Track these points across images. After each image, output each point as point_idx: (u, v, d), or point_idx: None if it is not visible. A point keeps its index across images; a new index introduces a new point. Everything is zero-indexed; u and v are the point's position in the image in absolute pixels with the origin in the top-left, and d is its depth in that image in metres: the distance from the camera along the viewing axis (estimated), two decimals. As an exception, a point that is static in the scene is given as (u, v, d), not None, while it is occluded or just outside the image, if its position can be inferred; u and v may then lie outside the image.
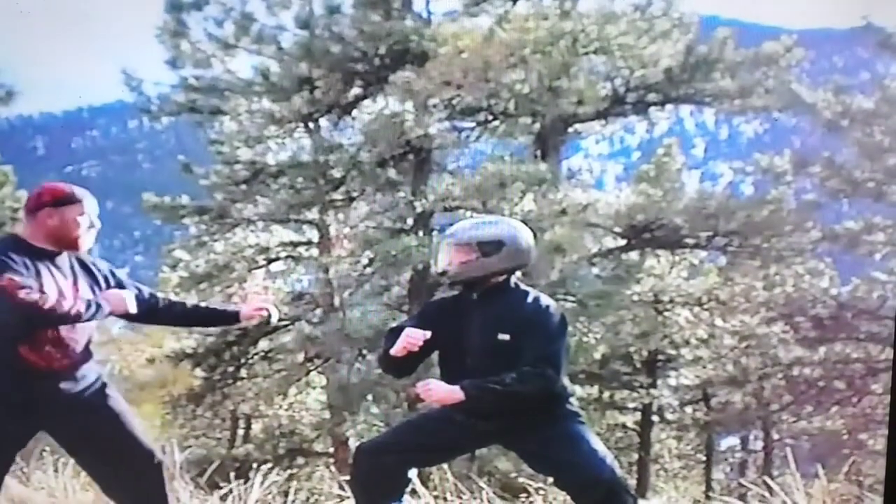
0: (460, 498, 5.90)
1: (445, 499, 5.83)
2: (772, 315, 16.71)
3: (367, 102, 16.12)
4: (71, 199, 3.87)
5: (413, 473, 4.04)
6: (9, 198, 20.29)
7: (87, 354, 3.88)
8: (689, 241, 16.31)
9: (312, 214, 16.15)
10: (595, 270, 16.47)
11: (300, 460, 16.37)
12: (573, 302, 14.90)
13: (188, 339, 16.41)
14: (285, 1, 15.57)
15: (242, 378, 16.79)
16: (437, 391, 3.76)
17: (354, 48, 15.43)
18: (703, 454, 19.53)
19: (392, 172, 15.53)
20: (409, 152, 15.28)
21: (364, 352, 14.72)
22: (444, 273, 3.98)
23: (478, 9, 15.40)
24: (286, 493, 6.51)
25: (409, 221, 15.29)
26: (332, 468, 14.92)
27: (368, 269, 15.43)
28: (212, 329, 14.26)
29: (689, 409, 19.06)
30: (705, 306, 17.64)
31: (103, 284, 3.96)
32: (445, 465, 5.72)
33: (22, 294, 3.61)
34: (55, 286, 3.76)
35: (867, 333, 15.82)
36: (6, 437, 3.85)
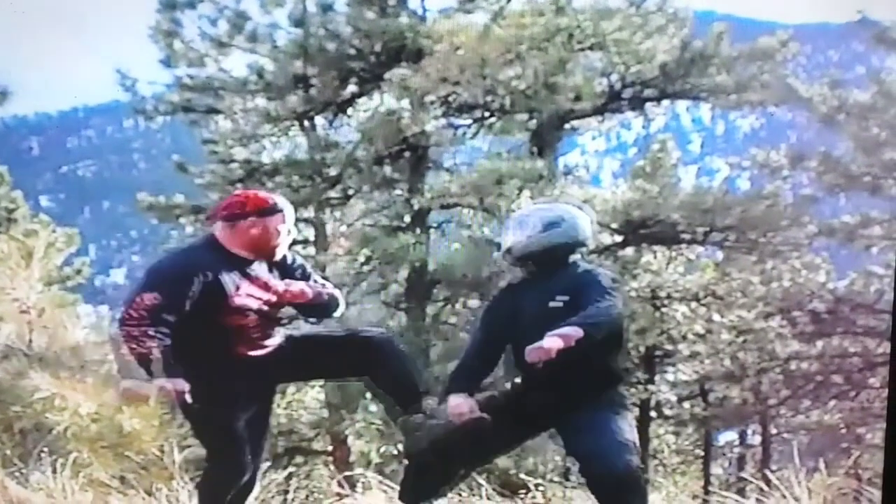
0: (460, 495, 5.89)
1: (445, 495, 5.82)
2: (769, 310, 16.71)
3: (362, 100, 16.09)
4: (274, 210, 3.88)
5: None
6: (4, 198, 20.26)
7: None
8: (686, 236, 16.31)
9: (309, 213, 16.13)
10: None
11: (299, 459, 16.34)
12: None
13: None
14: (279, -1, 15.55)
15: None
16: (553, 344, 3.69)
17: (350, 46, 15.42)
18: (702, 449, 19.56)
19: (388, 170, 15.52)
20: (405, 150, 15.27)
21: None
22: (508, 251, 4.14)
23: (473, 5, 15.39)
24: (285, 492, 6.51)
25: (406, 219, 15.28)
26: (331, 466, 14.92)
27: (365, 267, 15.43)
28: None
29: (686, 405, 19.07)
30: (702, 301, 17.63)
31: (301, 276, 4.01)
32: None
33: (147, 331, 3.66)
34: (248, 294, 3.82)
35: (864, 327, 15.84)
36: (254, 405, 3.98)
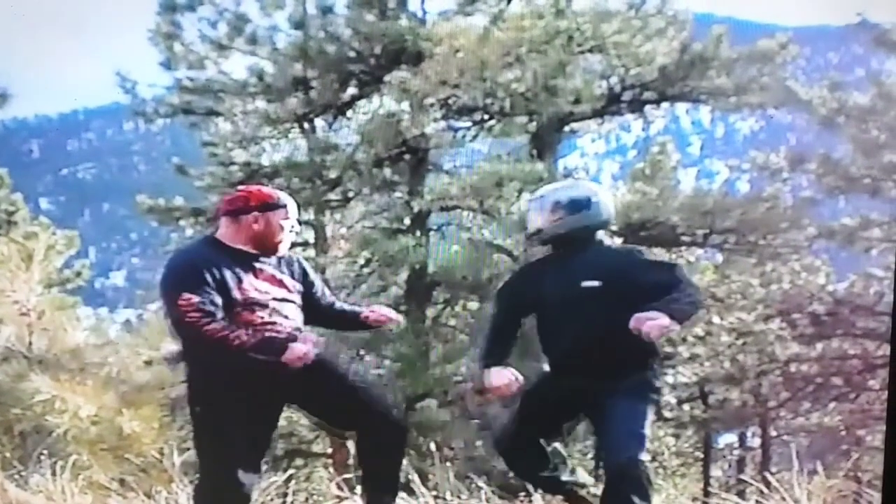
0: (459, 497, 5.90)
1: (445, 498, 5.83)
2: (769, 312, 16.72)
3: (362, 102, 16.08)
4: (277, 205, 3.93)
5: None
6: (4, 201, 20.26)
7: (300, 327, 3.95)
8: (686, 238, 16.30)
9: (308, 215, 16.11)
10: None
11: (298, 461, 16.34)
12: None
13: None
14: (279, 1, 15.54)
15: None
16: (655, 327, 3.74)
17: (349, 48, 15.42)
18: (701, 451, 19.55)
19: (388, 172, 15.51)
20: (405, 152, 15.26)
21: (361, 352, 14.71)
22: (536, 233, 4.18)
23: (472, 8, 15.39)
24: (285, 495, 6.51)
25: (406, 221, 15.27)
26: (331, 469, 14.92)
27: (365, 270, 15.42)
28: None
29: (686, 407, 19.06)
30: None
31: (301, 276, 4.02)
32: (448, 464, 5.73)
33: (209, 328, 3.67)
34: (255, 288, 3.82)
35: (864, 329, 15.84)
36: (260, 419, 3.93)
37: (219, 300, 3.73)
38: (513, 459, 4.24)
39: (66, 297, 18.58)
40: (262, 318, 3.83)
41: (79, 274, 20.36)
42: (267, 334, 3.79)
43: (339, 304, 4.24)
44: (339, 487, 6.38)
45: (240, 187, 4.16)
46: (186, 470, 6.74)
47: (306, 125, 15.99)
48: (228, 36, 15.78)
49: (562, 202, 4.13)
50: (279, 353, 3.72)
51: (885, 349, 14.91)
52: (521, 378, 4.08)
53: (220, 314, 3.71)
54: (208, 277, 3.75)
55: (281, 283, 3.91)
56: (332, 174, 15.51)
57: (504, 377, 4.08)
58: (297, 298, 3.97)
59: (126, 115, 18.69)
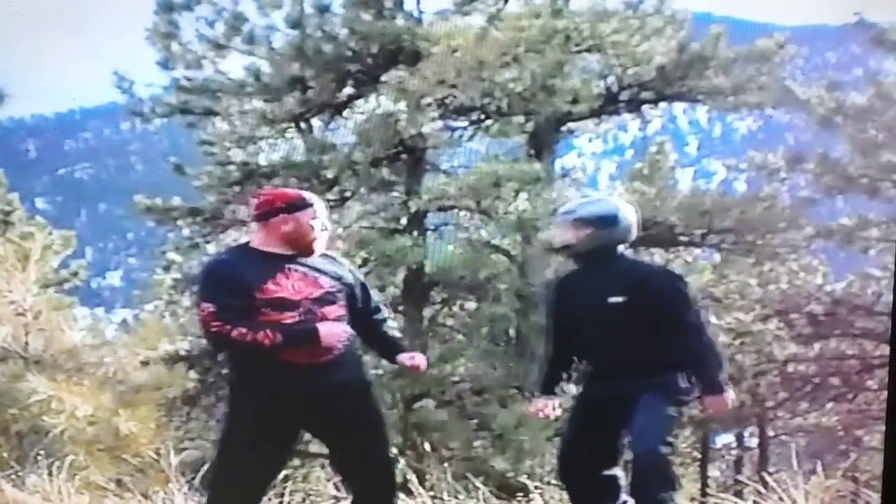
0: (457, 497, 5.89)
1: (442, 499, 5.82)
2: (766, 312, 16.70)
3: (359, 102, 16.07)
4: (304, 204, 3.94)
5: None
6: (0, 201, 20.23)
7: (347, 344, 3.93)
8: (683, 238, 16.29)
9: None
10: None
11: (295, 461, 16.31)
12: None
13: (183, 342, 16.36)
14: (276, 1, 15.52)
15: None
16: (719, 408, 4.14)
17: (346, 48, 15.40)
18: (699, 451, 19.53)
19: (385, 172, 15.50)
20: (402, 152, 15.25)
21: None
22: (565, 248, 4.33)
23: (469, 8, 15.37)
24: (282, 495, 6.50)
25: (404, 221, 15.26)
26: (328, 469, 14.90)
27: (363, 270, 15.41)
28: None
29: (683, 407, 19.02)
30: (700, 304, 17.57)
31: (337, 279, 3.99)
32: (445, 465, 5.73)
33: (235, 333, 3.68)
34: (282, 288, 3.80)
35: (862, 330, 15.84)
36: (276, 439, 3.93)
37: (237, 304, 3.73)
38: (574, 489, 4.33)
39: (62, 297, 18.56)
40: (294, 317, 3.81)
41: (75, 274, 20.34)
42: (289, 326, 3.79)
43: (384, 327, 4.23)
44: (337, 488, 6.37)
45: (264, 190, 4.18)
46: (183, 470, 6.73)
47: (303, 125, 15.97)
48: (226, 35, 15.76)
49: (591, 218, 4.25)
50: (313, 338, 3.72)
51: (883, 349, 14.93)
52: (558, 410, 4.34)
53: (239, 319, 3.72)
54: (224, 283, 3.77)
55: (315, 283, 3.88)
56: (330, 174, 15.50)
57: (539, 404, 4.37)
58: (340, 298, 3.94)
59: (123, 115, 18.68)
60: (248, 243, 3.98)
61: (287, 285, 3.82)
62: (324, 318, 3.85)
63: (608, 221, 4.24)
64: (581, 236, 4.22)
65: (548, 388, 4.36)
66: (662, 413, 4.08)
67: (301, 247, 3.91)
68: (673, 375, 4.14)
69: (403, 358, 4.16)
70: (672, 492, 3.98)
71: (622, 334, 4.08)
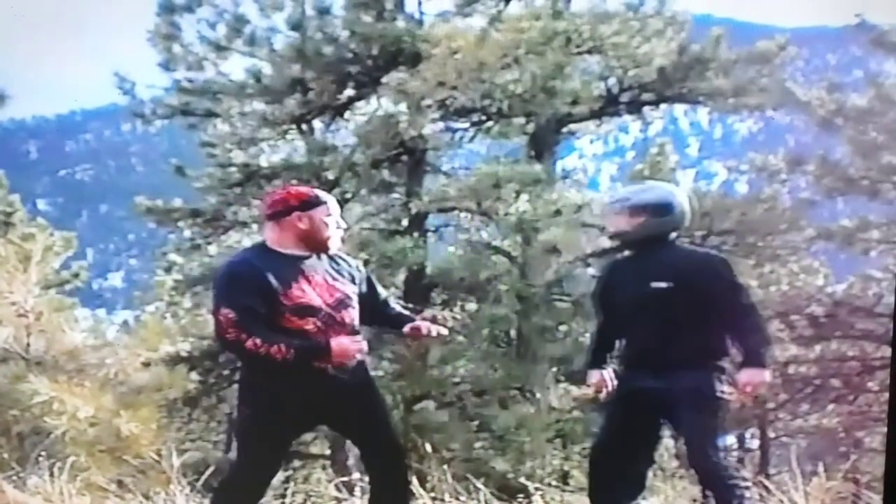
0: (458, 499, 5.89)
1: (443, 500, 5.82)
2: (767, 313, 16.63)
3: (360, 104, 16.08)
4: (317, 202, 3.89)
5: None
6: (2, 202, 20.26)
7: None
8: (684, 240, 16.29)
9: (307, 216, 16.10)
10: (590, 271, 16.46)
11: (297, 462, 16.33)
12: (568, 302, 14.88)
13: (184, 343, 16.38)
14: (277, 3, 15.53)
15: (238, 381, 16.71)
16: (754, 381, 4.09)
17: (347, 50, 15.41)
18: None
19: (386, 174, 15.51)
20: (403, 153, 15.26)
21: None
22: (619, 234, 4.31)
23: (470, 9, 15.38)
24: (283, 496, 6.51)
25: (404, 223, 15.27)
26: (329, 470, 14.91)
27: (363, 271, 15.41)
28: (207, 332, 14.26)
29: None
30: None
31: (351, 280, 3.97)
32: (446, 466, 5.73)
33: (249, 344, 3.66)
34: (306, 294, 3.78)
35: (863, 331, 15.82)
36: (287, 436, 4.01)
37: (262, 311, 3.69)
38: (598, 480, 4.31)
39: (63, 298, 18.59)
40: (316, 324, 3.78)
41: (76, 275, 20.38)
42: (301, 342, 3.76)
43: (393, 306, 4.22)
44: (338, 489, 6.38)
45: (275, 189, 4.16)
46: (185, 471, 6.73)
47: (304, 126, 15.98)
48: (227, 37, 15.78)
49: (645, 205, 4.22)
50: (326, 355, 3.72)
51: (884, 351, 14.92)
52: (614, 381, 4.30)
53: (260, 327, 3.68)
54: (250, 288, 3.71)
55: (334, 288, 3.86)
56: (330, 175, 15.50)
57: (595, 376, 4.34)
58: (353, 301, 3.92)
59: (124, 117, 18.70)
60: (263, 243, 3.92)
61: (311, 290, 3.78)
62: (342, 323, 3.83)
63: (664, 209, 4.22)
64: (635, 224, 4.20)
65: (597, 363, 4.38)
66: (703, 423, 4.11)
67: (316, 245, 3.87)
68: (710, 377, 4.13)
69: (409, 330, 4.08)
70: (742, 490, 4.01)
71: (664, 320, 4.07)
